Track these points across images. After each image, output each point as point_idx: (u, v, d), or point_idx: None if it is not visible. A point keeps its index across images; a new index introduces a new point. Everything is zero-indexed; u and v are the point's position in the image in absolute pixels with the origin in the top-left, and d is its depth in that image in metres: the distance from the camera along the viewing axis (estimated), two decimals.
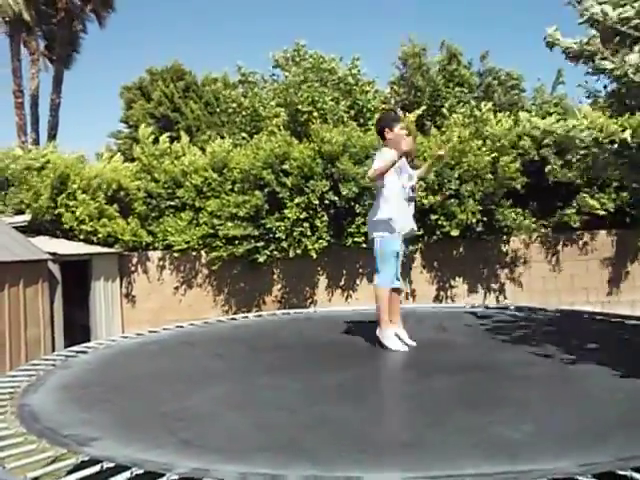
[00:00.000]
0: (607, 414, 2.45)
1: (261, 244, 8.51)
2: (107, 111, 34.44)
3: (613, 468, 1.87)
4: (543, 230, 8.80)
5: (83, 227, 8.60)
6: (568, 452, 2.05)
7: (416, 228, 4.24)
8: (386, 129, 4.02)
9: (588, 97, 4.44)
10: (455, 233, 8.31)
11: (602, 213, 8.53)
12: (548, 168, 8.23)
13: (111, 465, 2.18)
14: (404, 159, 4.03)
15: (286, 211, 8.35)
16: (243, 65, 11.55)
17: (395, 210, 3.95)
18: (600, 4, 3.45)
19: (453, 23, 31.75)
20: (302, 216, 8.35)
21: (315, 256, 8.39)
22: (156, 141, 9.55)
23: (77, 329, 8.12)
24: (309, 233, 8.40)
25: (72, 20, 17.25)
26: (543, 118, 8.88)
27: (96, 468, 2.18)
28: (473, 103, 9.78)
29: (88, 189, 8.74)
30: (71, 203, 8.60)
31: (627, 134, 4.80)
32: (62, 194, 8.59)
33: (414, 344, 3.96)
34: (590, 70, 3.77)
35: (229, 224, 8.46)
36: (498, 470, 1.92)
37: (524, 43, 25.42)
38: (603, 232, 8.87)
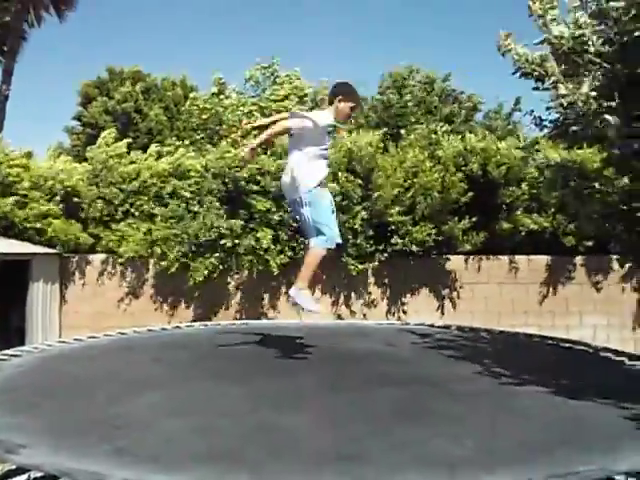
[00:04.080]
0: (545, 431, 2.52)
1: (217, 261, 8.36)
2: (59, 107, 33.32)
3: None
4: (480, 247, 9.06)
5: (29, 225, 8.26)
6: (506, 467, 2.09)
7: None
8: (341, 97, 3.97)
9: (535, 125, 4.62)
10: (414, 248, 8.50)
11: (534, 227, 8.93)
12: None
13: (39, 475, 2.07)
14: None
15: (258, 234, 8.29)
16: (218, 74, 11.48)
17: (324, 171, 3.94)
18: (558, 24, 3.59)
19: (425, 42, 32.59)
20: (271, 236, 8.33)
21: (276, 272, 8.33)
22: (115, 141, 9.29)
23: (12, 331, 7.77)
24: (272, 246, 8.37)
25: (27, 12, 16.72)
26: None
27: (23, 477, 2.07)
28: (432, 126, 10.13)
29: (36, 188, 8.44)
30: (17, 202, 8.28)
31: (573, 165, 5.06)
32: (8, 192, 8.24)
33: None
34: (539, 87, 3.93)
35: (185, 250, 8.27)
36: None
37: (492, 65, 26.44)
38: (542, 257, 9.22)
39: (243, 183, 8.45)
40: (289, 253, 8.44)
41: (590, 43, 3.64)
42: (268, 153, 8.93)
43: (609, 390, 3.18)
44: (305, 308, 3.80)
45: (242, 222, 8.37)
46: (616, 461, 2.13)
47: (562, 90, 3.64)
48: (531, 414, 2.79)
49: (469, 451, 2.26)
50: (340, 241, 3.91)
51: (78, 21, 29.28)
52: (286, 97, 10.54)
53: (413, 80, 13.08)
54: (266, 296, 8.84)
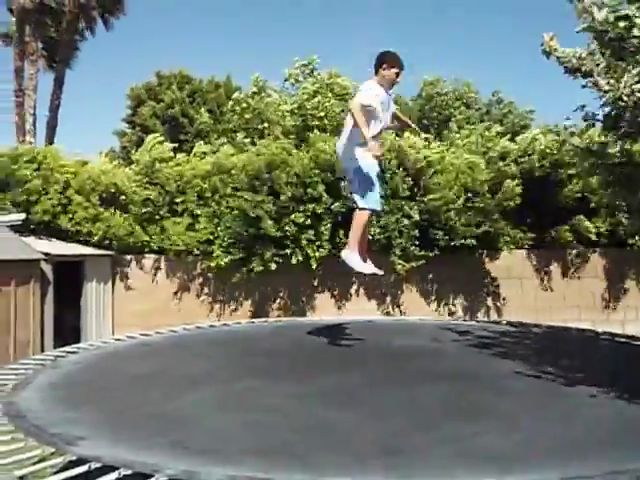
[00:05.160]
0: (594, 429, 2.46)
1: (265, 253, 8.44)
2: (110, 111, 34.33)
3: None
4: (530, 243, 8.85)
5: (79, 228, 8.58)
6: (555, 464, 2.05)
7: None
8: (386, 65, 3.99)
9: (586, 120, 4.48)
10: (464, 242, 8.43)
11: (594, 238, 8.67)
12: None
13: (99, 465, 2.16)
14: (388, 95, 4.07)
15: (292, 216, 8.38)
16: (258, 75, 11.57)
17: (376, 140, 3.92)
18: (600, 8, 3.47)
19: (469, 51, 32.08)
20: (307, 222, 8.38)
21: (315, 266, 8.36)
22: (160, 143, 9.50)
23: (68, 330, 8.07)
24: (313, 238, 8.43)
25: (77, 21, 17.25)
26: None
27: (84, 468, 2.16)
28: (483, 124, 10.09)
29: (83, 191, 8.73)
30: (67, 204, 8.59)
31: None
32: (59, 195, 8.56)
33: (381, 272, 4.08)
34: (587, 84, 3.82)
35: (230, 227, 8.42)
36: None
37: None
38: (596, 251, 8.93)
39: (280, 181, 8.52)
40: (328, 247, 8.45)
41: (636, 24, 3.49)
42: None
43: None
44: (355, 269, 3.98)
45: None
46: None
47: (605, 86, 3.52)
48: (582, 412, 2.72)
49: (517, 448, 2.23)
50: (380, 208, 4.11)
51: (127, 25, 30.01)
52: (317, 92, 10.53)
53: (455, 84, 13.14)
54: (308, 292, 8.91)
